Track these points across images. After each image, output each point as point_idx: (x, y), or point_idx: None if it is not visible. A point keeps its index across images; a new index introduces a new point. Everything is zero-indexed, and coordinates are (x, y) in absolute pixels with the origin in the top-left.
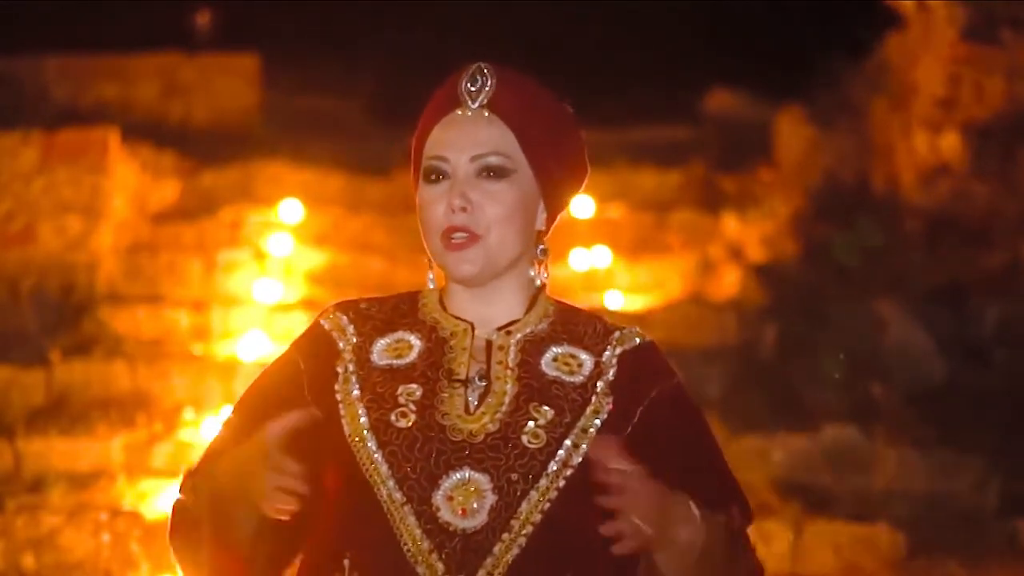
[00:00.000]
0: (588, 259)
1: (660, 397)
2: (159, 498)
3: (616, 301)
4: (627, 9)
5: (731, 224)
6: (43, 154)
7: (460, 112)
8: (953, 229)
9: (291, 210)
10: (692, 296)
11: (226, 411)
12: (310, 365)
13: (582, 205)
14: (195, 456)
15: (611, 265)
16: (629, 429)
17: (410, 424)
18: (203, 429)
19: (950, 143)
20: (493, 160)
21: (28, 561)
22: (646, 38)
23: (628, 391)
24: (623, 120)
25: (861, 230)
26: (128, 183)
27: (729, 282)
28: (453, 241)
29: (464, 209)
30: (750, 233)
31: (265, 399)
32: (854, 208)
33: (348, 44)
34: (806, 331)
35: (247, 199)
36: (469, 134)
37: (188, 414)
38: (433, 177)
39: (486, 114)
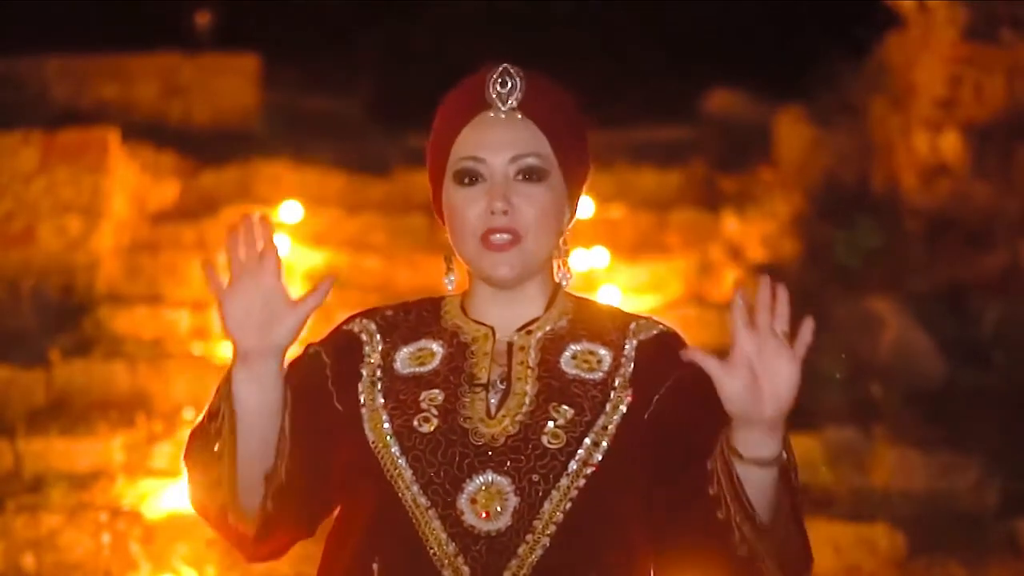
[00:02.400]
0: (588, 259)
1: (676, 384)
2: (159, 498)
3: (615, 301)
4: (627, 9)
5: (731, 224)
6: (43, 154)
7: (492, 114)
8: (953, 229)
9: (291, 210)
10: (692, 296)
11: None
12: (335, 360)
13: (582, 205)
14: None
15: (611, 265)
16: (646, 416)
17: (432, 429)
18: None
19: (950, 143)
20: (532, 162)
21: (28, 561)
22: (646, 38)
23: (646, 381)
24: (623, 120)
25: (861, 230)
26: (128, 183)
27: (729, 282)
28: (493, 242)
29: (505, 212)
30: (750, 233)
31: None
32: (854, 208)
33: (348, 44)
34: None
35: (247, 199)
36: (505, 135)
37: (188, 414)
38: (467, 179)
39: (519, 116)
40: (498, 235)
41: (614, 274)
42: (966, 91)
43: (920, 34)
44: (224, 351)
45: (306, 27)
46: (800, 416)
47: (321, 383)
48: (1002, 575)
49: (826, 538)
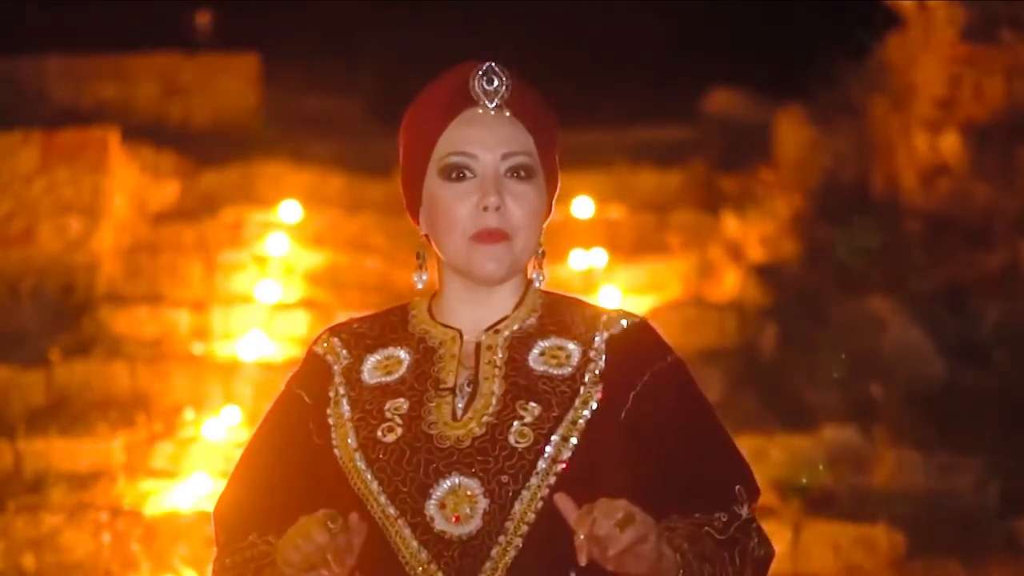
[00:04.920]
0: (587, 259)
1: (653, 380)
2: (159, 498)
3: (615, 301)
4: (627, 9)
5: (731, 224)
6: (43, 154)
7: (480, 111)
8: (953, 229)
9: (291, 210)
10: (692, 296)
11: (227, 412)
12: (312, 399)
13: (582, 205)
14: (195, 458)
15: (610, 265)
16: (623, 415)
17: (396, 438)
18: (203, 429)
19: (950, 143)
20: (523, 160)
21: (28, 561)
22: (646, 38)
23: (620, 376)
24: (623, 120)
25: (861, 230)
26: (128, 183)
27: (729, 282)
28: (484, 237)
29: (498, 208)
30: (750, 233)
31: (273, 447)
32: (854, 208)
33: (348, 44)
34: (806, 331)
35: (247, 199)
36: (496, 133)
37: (188, 414)
38: (456, 175)
39: (507, 113)
40: (488, 236)
41: (614, 274)
42: (966, 91)
43: (920, 34)
44: (223, 352)
45: (306, 27)
46: (800, 416)
47: (304, 428)
48: (1002, 575)
49: (826, 538)
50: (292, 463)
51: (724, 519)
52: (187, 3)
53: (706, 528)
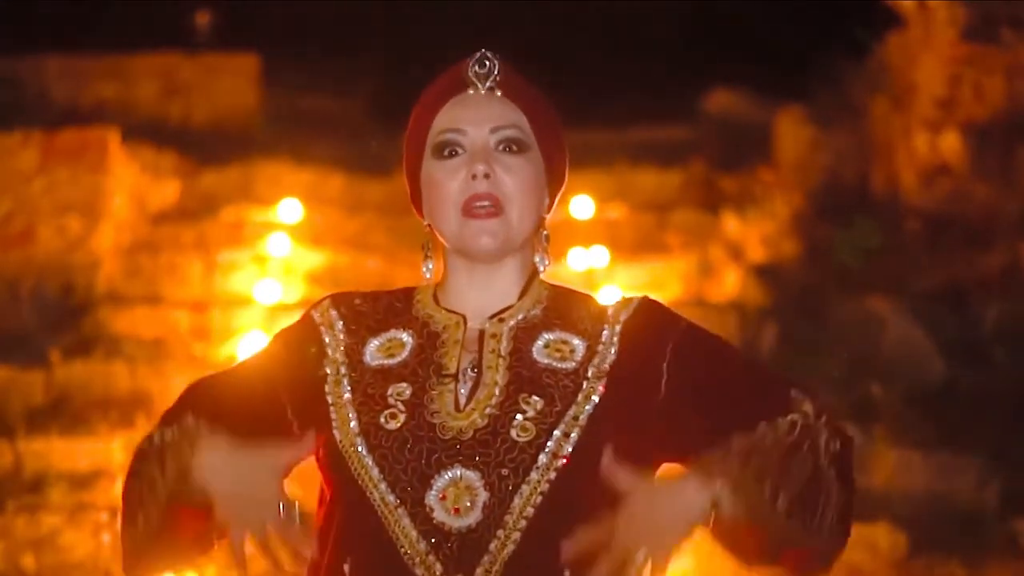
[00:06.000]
0: (587, 259)
1: (677, 346)
2: None
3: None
4: (627, 9)
5: (731, 224)
6: (43, 154)
7: (472, 92)
8: (953, 229)
9: (291, 210)
10: (692, 296)
11: None
12: (294, 370)
13: (582, 205)
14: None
15: (611, 265)
16: (662, 389)
17: (400, 425)
18: None
19: (950, 143)
20: (512, 133)
21: (28, 561)
22: (646, 38)
23: (644, 355)
24: (623, 120)
25: (861, 230)
26: (128, 183)
27: (729, 282)
28: (475, 211)
29: (487, 176)
30: (750, 233)
31: (242, 392)
32: (854, 208)
33: (348, 44)
34: (806, 331)
35: (247, 199)
36: (485, 109)
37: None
38: (447, 152)
39: (498, 93)
40: (479, 203)
41: (614, 274)
42: (966, 91)
43: (920, 34)
44: (223, 352)
45: (306, 27)
46: None
47: (275, 398)
48: (1002, 575)
49: None
50: (285, 377)
51: (789, 420)
52: (187, 3)
53: (769, 438)
